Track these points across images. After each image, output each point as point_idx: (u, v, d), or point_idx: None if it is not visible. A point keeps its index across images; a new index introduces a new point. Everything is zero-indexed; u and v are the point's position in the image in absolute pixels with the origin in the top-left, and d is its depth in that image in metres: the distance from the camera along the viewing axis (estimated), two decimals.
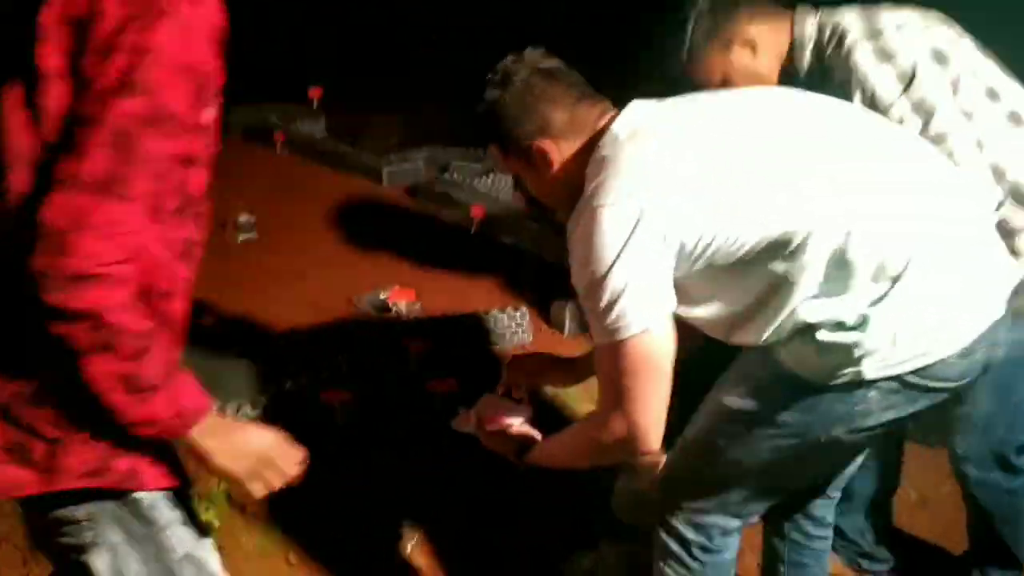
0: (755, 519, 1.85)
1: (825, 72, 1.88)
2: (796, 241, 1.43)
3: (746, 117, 1.57)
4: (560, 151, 1.61)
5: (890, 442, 2.25)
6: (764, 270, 1.46)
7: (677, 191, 1.45)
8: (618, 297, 1.43)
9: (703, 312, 1.56)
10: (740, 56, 1.93)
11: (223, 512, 2.26)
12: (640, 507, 2.07)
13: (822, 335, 1.46)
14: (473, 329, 2.88)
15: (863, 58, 1.81)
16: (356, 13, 8.14)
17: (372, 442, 2.51)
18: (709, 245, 1.45)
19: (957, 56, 1.84)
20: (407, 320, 2.92)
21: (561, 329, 3.05)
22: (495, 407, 1.92)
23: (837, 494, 1.96)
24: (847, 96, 1.79)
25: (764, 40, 1.93)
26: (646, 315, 1.44)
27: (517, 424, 1.86)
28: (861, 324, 1.44)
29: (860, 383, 1.47)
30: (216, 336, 2.80)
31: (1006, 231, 1.77)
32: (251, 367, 2.61)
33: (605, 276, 1.43)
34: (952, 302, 1.46)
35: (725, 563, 1.80)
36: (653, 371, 1.47)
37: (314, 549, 2.30)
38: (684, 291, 1.51)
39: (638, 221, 1.42)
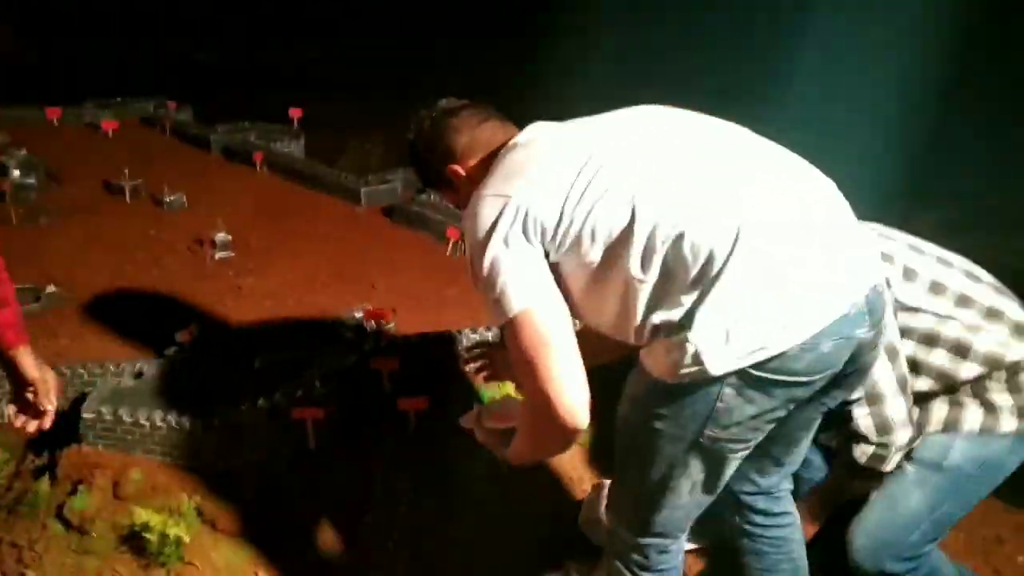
0: (685, 536, 1.89)
1: None
2: (632, 239, 1.54)
3: (617, 127, 1.71)
4: (467, 168, 1.84)
5: None
6: (617, 269, 1.57)
7: (547, 184, 1.60)
8: (496, 276, 1.58)
9: (593, 321, 1.70)
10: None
11: (192, 527, 2.28)
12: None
13: (665, 336, 1.56)
14: (445, 347, 2.92)
15: None
16: (337, 34, 8.23)
17: (343, 459, 2.55)
18: (568, 231, 1.58)
19: None
20: (381, 339, 2.96)
21: None
22: (496, 406, 2.02)
23: (776, 488, 2.02)
24: None
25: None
26: (524, 293, 1.57)
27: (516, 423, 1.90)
28: (689, 323, 1.52)
29: (711, 380, 1.55)
30: (190, 353, 2.83)
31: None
32: (224, 384, 2.64)
33: (481, 258, 1.60)
34: (786, 297, 1.51)
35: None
36: (548, 344, 1.56)
37: (282, 565, 2.32)
38: (574, 304, 1.65)
39: (506, 206, 1.59)
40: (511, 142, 1.77)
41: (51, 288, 3.40)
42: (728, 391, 1.57)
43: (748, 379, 1.55)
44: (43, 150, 4.74)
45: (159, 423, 2.37)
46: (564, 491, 2.58)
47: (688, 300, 1.53)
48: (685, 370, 1.54)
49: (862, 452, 2.06)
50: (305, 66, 8.61)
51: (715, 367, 1.52)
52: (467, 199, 1.76)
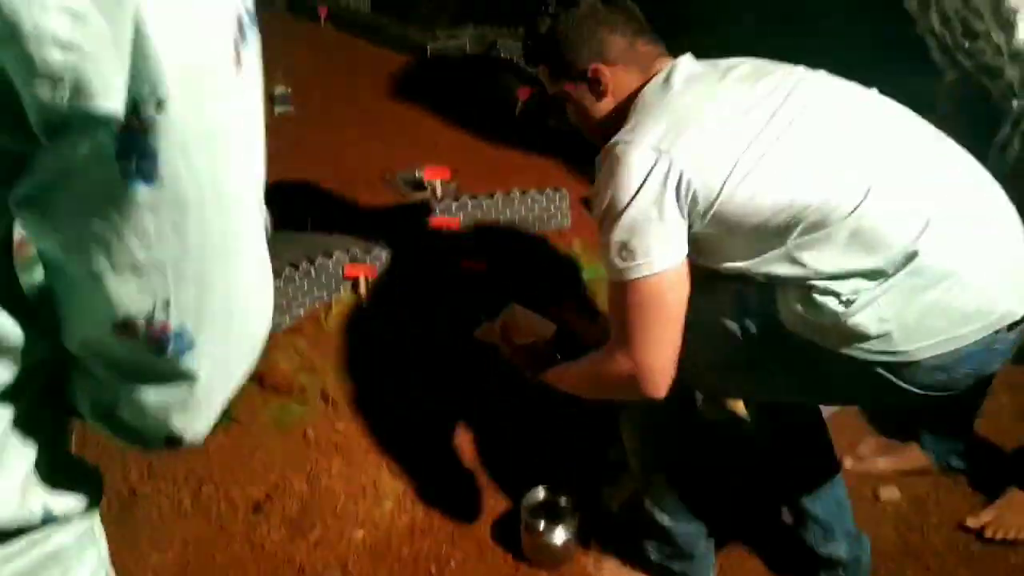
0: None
1: None
2: (808, 217, 1.43)
3: (787, 88, 1.54)
4: (614, 79, 1.62)
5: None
6: (770, 243, 1.47)
7: (713, 152, 1.45)
8: (630, 238, 1.44)
9: (710, 263, 1.56)
10: None
11: None
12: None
13: (816, 299, 1.45)
14: (508, 209, 2.73)
15: None
16: None
17: (398, 317, 2.42)
18: (725, 202, 1.45)
19: None
20: (440, 198, 2.78)
21: None
22: (522, 319, 1.88)
23: None
24: None
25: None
26: (655, 260, 1.45)
27: (541, 340, 1.83)
28: (853, 301, 1.42)
29: (839, 355, 1.48)
30: None
31: None
32: (279, 240, 2.51)
33: (620, 214, 1.44)
34: (953, 307, 1.42)
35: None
36: (662, 313, 1.47)
37: (330, 425, 2.23)
38: (695, 242, 1.51)
39: (657, 163, 1.43)
40: (661, 76, 1.58)
41: None
42: (848, 369, 1.49)
43: (868, 371, 1.48)
44: None
45: None
46: None
47: (862, 281, 1.43)
48: (824, 338, 1.47)
49: None
50: None
51: (847, 349, 1.46)
52: (590, 112, 1.66)
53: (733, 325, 1.58)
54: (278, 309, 2.27)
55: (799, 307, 1.47)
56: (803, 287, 1.46)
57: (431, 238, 2.60)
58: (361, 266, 2.37)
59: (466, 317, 2.45)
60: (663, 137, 1.45)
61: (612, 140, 1.51)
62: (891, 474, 2.31)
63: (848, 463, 2.29)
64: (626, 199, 1.44)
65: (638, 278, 1.45)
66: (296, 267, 2.29)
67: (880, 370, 1.47)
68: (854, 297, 1.42)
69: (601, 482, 2.22)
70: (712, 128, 1.47)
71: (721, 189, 1.44)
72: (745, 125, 1.47)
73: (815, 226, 1.43)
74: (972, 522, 2.17)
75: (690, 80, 1.56)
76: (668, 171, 1.43)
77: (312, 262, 2.32)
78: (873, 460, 2.34)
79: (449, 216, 2.63)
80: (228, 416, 2.17)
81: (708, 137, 1.46)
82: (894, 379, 1.47)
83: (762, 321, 1.55)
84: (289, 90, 3.64)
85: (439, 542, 2.12)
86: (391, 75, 4.08)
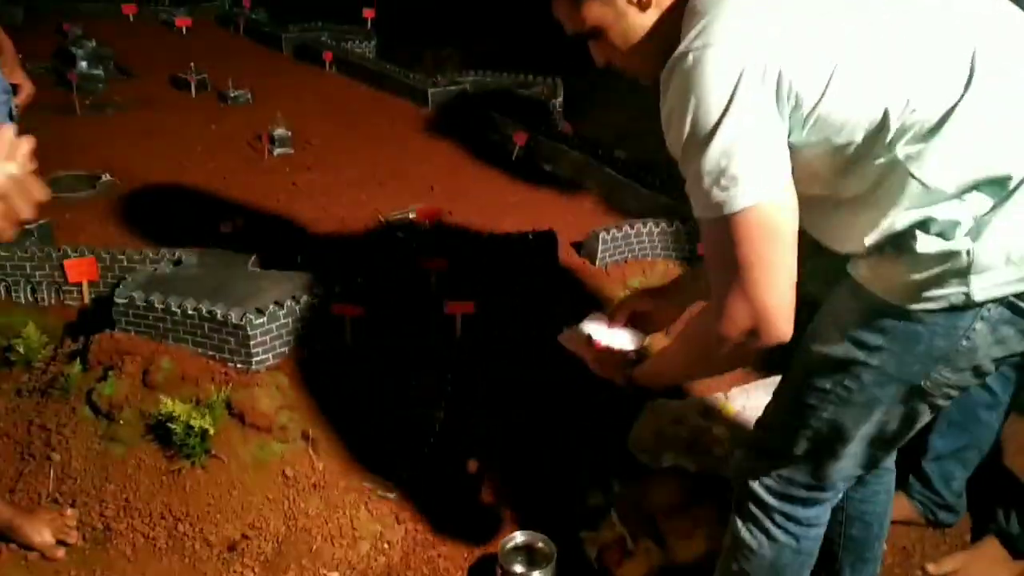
0: (844, 487, 1.59)
1: None
2: (914, 119, 1.21)
3: None
4: None
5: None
6: (877, 151, 1.24)
7: (796, 36, 1.20)
8: (728, 161, 1.19)
9: (811, 191, 1.31)
10: None
11: (220, 420, 2.17)
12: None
13: (924, 244, 1.24)
14: (498, 251, 2.74)
15: None
16: None
17: (382, 358, 2.41)
18: (826, 101, 1.21)
19: None
20: (430, 238, 2.79)
21: (592, 259, 2.89)
22: (606, 328, 1.70)
23: None
24: None
25: None
26: (762, 182, 1.20)
27: (631, 349, 1.66)
28: (974, 232, 1.23)
29: (964, 308, 1.26)
30: (233, 243, 2.72)
31: None
32: (265, 276, 2.52)
33: (711, 134, 1.19)
34: None
35: (810, 539, 1.60)
36: (775, 244, 1.22)
37: (311, 463, 2.21)
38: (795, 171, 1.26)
39: (749, 66, 1.17)
40: None
41: (106, 177, 3.34)
42: (981, 326, 1.28)
43: (1011, 311, 1.27)
44: (115, 44, 4.69)
45: (191, 311, 2.26)
46: (614, 407, 2.39)
47: (975, 203, 1.22)
48: (940, 291, 1.25)
49: None
50: None
51: (981, 291, 1.24)
52: (632, 34, 1.36)
53: (841, 348, 1.36)
54: (262, 348, 2.28)
55: (901, 263, 1.26)
56: (915, 232, 1.24)
57: (418, 278, 2.60)
58: (347, 306, 2.37)
59: (450, 357, 2.46)
60: (749, 31, 1.20)
61: (678, 52, 1.23)
62: None
63: None
64: (717, 113, 1.18)
65: (741, 210, 1.20)
66: (281, 305, 2.29)
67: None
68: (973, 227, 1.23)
69: (580, 526, 2.19)
70: (804, 13, 1.22)
71: (829, 81, 1.20)
72: (838, 5, 1.25)
73: (925, 123, 1.21)
74: (934, 569, 2.13)
75: None
76: (765, 71, 1.18)
77: (297, 300, 2.33)
78: None
79: (438, 257, 2.63)
80: (208, 452, 2.16)
81: (802, 24, 1.21)
82: None
83: (861, 310, 1.32)
84: (289, 133, 3.68)
85: None
86: (391, 119, 4.14)
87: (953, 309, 1.27)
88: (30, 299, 2.67)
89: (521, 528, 2.12)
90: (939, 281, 1.25)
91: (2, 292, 2.65)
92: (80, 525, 2.10)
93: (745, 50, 1.18)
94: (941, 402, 1.39)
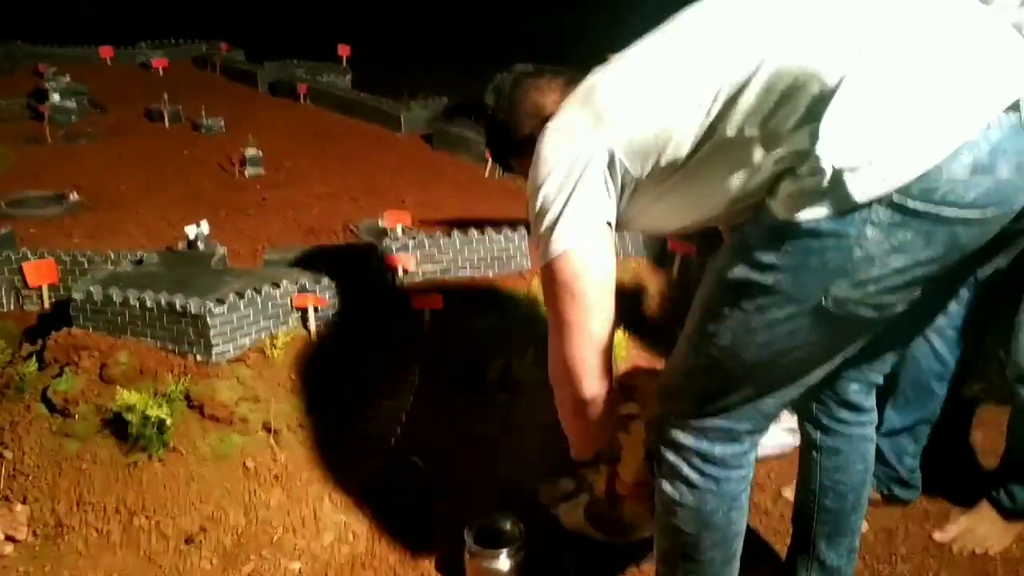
0: (768, 426, 1.51)
1: None
2: (727, 91, 1.29)
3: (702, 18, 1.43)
4: None
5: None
6: (718, 142, 1.32)
7: (622, 108, 1.39)
8: (546, 213, 1.41)
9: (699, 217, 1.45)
10: None
11: (179, 412, 2.11)
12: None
13: (789, 173, 1.27)
14: (467, 248, 2.71)
15: None
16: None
17: (347, 351, 2.36)
18: (661, 152, 1.36)
19: None
20: (400, 242, 2.76)
21: None
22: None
23: (878, 379, 1.69)
24: None
25: None
26: (572, 234, 1.40)
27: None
28: (816, 139, 1.22)
29: (852, 211, 1.21)
30: (196, 247, 2.69)
31: None
32: (228, 272, 2.48)
33: (537, 191, 1.42)
34: (939, 87, 1.20)
35: (731, 481, 1.50)
36: (578, 296, 1.42)
37: (271, 456, 2.15)
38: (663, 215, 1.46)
39: (577, 140, 1.40)
40: None
41: (74, 196, 3.31)
42: (872, 232, 1.22)
43: (902, 213, 1.20)
44: (91, 84, 4.72)
45: (149, 304, 2.21)
46: None
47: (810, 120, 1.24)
48: (818, 204, 1.22)
49: None
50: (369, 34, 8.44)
51: (860, 189, 1.19)
52: None
53: (737, 270, 1.34)
54: (222, 338, 2.23)
55: (786, 185, 1.28)
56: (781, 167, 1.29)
57: (383, 276, 2.57)
58: (310, 296, 2.33)
59: (418, 352, 2.41)
60: (579, 113, 1.42)
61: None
62: None
63: (788, 492, 2.21)
64: (543, 177, 1.42)
65: (554, 258, 1.41)
66: (241, 296, 2.25)
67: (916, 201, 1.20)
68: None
69: (539, 481, 2.10)
70: (628, 85, 1.41)
71: (652, 138, 1.36)
72: (656, 67, 1.39)
73: (733, 99, 1.30)
74: (939, 536, 2.10)
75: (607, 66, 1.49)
76: (589, 141, 1.39)
77: (259, 291, 2.29)
78: None
79: (404, 254, 2.60)
80: (165, 445, 2.09)
81: (624, 97, 1.40)
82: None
83: (759, 231, 1.32)
84: (260, 153, 3.68)
85: (381, 574, 2.01)
86: (365, 142, 4.15)
87: (841, 215, 1.22)
88: None
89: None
90: (816, 188, 1.22)
91: None
92: (31, 521, 2.02)
93: (574, 130, 1.42)
94: (860, 323, 1.32)
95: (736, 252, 1.35)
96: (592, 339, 1.46)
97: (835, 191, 1.21)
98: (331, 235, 3.03)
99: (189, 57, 5.66)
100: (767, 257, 1.29)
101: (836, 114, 1.20)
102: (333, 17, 9.07)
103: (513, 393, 2.49)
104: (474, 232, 2.75)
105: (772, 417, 1.49)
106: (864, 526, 2.18)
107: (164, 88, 4.70)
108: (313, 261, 2.57)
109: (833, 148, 1.20)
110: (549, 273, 1.44)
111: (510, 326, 2.60)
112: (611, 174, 1.41)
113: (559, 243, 1.41)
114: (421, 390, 2.36)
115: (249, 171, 3.63)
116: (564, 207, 1.40)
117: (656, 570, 1.66)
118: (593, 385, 1.50)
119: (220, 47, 5.75)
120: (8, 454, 2.13)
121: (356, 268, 2.57)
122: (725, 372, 1.41)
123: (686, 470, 1.49)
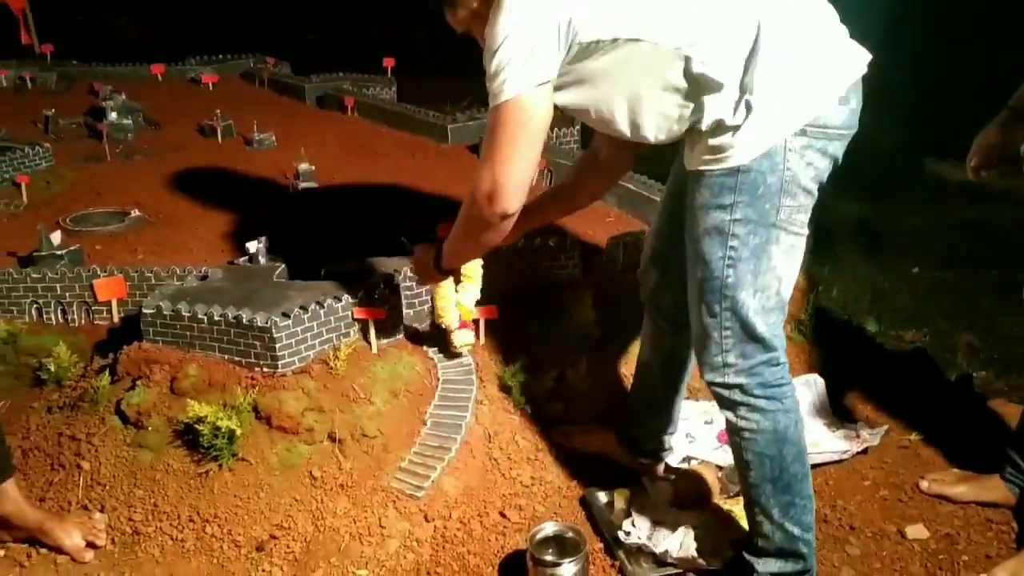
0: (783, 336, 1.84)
1: None
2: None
3: None
4: None
5: None
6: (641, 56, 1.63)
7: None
8: (503, 66, 1.61)
9: (604, 111, 1.73)
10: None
11: (247, 423, 2.18)
12: None
13: (718, 128, 1.65)
14: (515, 260, 2.76)
15: None
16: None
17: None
18: (595, 28, 1.63)
19: None
20: None
21: (616, 265, 2.89)
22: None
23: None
24: None
25: None
26: (521, 81, 1.61)
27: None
28: (749, 87, 1.61)
29: (777, 147, 1.65)
30: (258, 261, 2.76)
31: None
32: (290, 286, 2.54)
33: (497, 48, 1.61)
34: (818, 60, 1.66)
35: (788, 397, 1.83)
36: (521, 132, 1.64)
37: (337, 464, 2.20)
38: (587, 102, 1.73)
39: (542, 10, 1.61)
40: None
41: (135, 212, 3.41)
42: (792, 157, 1.66)
43: (805, 136, 1.66)
44: (143, 101, 4.82)
45: (216, 318, 2.28)
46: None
47: (735, 71, 1.62)
48: (751, 143, 1.64)
49: None
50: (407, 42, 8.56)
51: (780, 129, 1.64)
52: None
53: (710, 219, 1.73)
54: (288, 350, 2.28)
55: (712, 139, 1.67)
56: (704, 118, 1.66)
57: None
58: (370, 309, 2.38)
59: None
60: None
61: None
62: (967, 502, 2.27)
63: (924, 484, 2.30)
64: (502, 35, 1.60)
65: (503, 102, 1.63)
66: (305, 309, 2.31)
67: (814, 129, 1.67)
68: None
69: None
70: None
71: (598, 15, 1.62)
72: None
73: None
74: (926, 486, 2.29)
75: None
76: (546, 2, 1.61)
77: (321, 304, 2.34)
78: (951, 486, 2.29)
79: None
80: (235, 455, 2.16)
81: None
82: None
83: (711, 185, 1.72)
84: (313, 167, 3.75)
85: None
86: (413, 155, 4.21)
87: (769, 153, 1.65)
88: (61, 320, 2.71)
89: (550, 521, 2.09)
90: (746, 136, 1.64)
91: (34, 314, 2.71)
92: (109, 530, 2.10)
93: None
94: (797, 229, 1.74)
95: (701, 211, 1.73)
96: (530, 164, 1.69)
97: (762, 135, 1.64)
98: (384, 247, 3.08)
99: (237, 72, 5.77)
100: (728, 198, 1.69)
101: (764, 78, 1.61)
102: (370, 28, 9.22)
103: (567, 401, 2.53)
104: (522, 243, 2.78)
105: (782, 323, 1.83)
106: (924, 532, 2.19)
107: (214, 103, 4.79)
108: (370, 273, 2.62)
109: (762, 103, 1.62)
110: (505, 110, 1.64)
111: (564, 336, 2.63)
112: (564, 34, 1.63)
113: (519, 85, 1.61)
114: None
115: (303, 184, 3.70)
116: (528, 53, 1.61)
117: (748, 513, 1.95)
118: (519, 202, 1.71)
119: (267, 61, 5.85)
120: (86, 465, 2.21)
121: (412, 279, 2.61)
122: (741, 308, 1.75)
123: (754, 400, 1.81)
